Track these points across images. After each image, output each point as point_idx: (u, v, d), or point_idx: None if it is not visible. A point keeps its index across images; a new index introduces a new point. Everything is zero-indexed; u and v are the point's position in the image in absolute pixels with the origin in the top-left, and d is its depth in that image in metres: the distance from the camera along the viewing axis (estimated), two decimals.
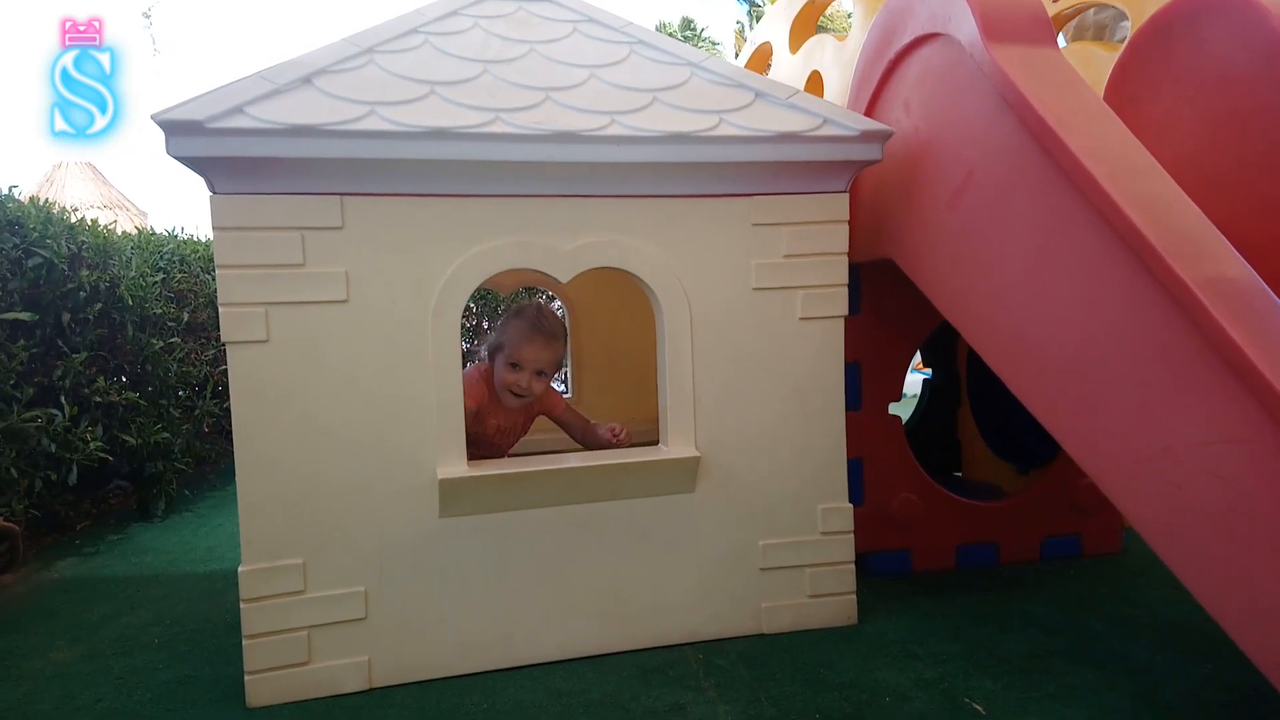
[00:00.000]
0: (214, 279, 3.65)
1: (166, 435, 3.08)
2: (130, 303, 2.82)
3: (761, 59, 3.15)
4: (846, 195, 1.87)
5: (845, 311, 1.89)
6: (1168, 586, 2.18)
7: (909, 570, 2.35)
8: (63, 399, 2.55)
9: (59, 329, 2.57)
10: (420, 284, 1.65)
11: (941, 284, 1.81)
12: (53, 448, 2.47)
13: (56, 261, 2.48)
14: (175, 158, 1.46)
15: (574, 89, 1.83)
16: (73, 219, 2.74)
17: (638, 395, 2.94)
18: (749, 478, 1.87)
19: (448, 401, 1.67)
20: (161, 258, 3.27)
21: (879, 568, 2.32)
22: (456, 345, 1.68)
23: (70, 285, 2.59)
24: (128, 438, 2.87)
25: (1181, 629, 1.93)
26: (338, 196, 1.58)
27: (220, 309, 1.54)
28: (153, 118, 1.43)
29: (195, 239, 3.72)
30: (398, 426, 1.66)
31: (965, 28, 1.64)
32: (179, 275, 3.33)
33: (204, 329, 3.49)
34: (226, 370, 1.60)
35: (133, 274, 2.90)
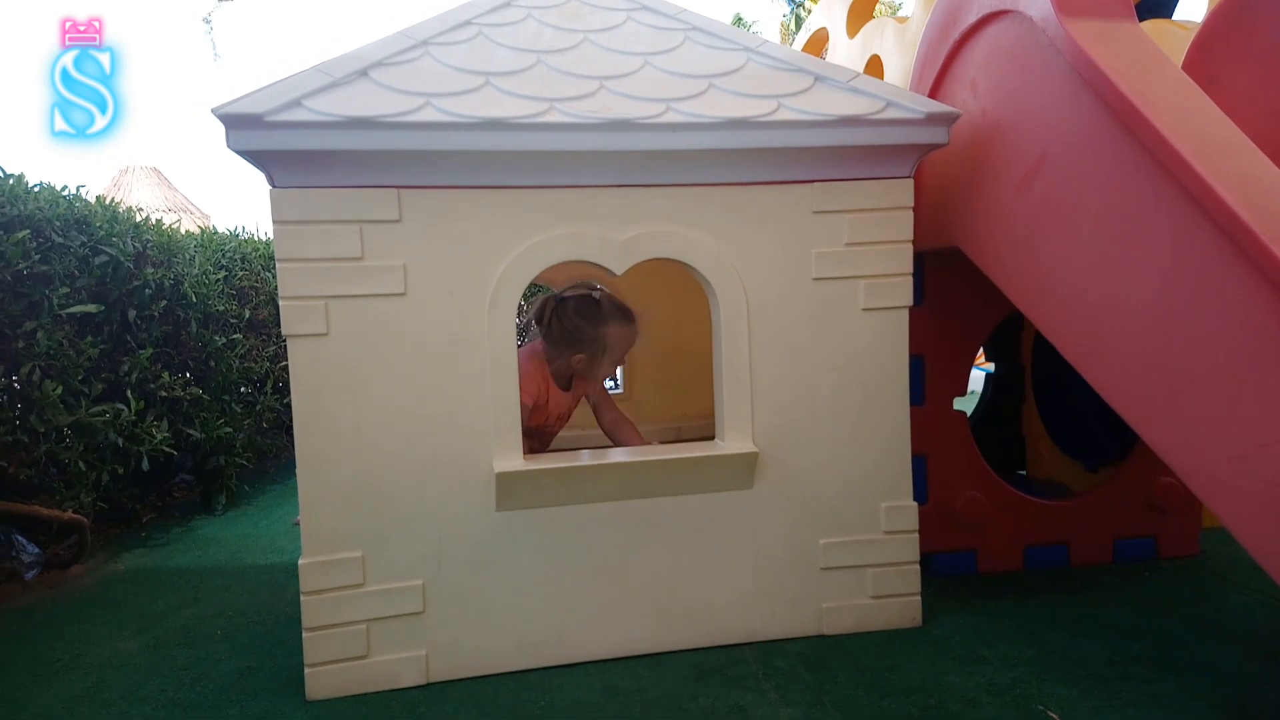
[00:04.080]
0: (274, 276, 3.72)
1: (229, 430, 3.14)
2: (194, 300, 2.88)
3: (817, 45, 3.09)
4: (911, 180, 1.81)
5: (910, 302, 1.83)
6: (1252, 591, 2.07)
7: (974, 571, 2.27)
8: (129, 394, 2.61)
9: (125, 325, 2.63)
10: (476, 277, 1.64)
11: (1012, 272, 1.73)
12: (120, 442, 2.53)
13: (123, 259, 2.54)
14: (235, 151, 1.46)
15: (628, 77, 1.80)
16: (138, 218, 2.80)
17: (690, 392, 2.91)
18: (809, 474, 1.82)
19: (504, 395, 1.65)
20: (224, 256, 3.34)
21: (943, 569, 2.25)
22: (512, 338, 1.66)
23: (136, 282, 2.65)
24: (192, 432, 2.93)
25: (1269, 636, 1.82)
26: (395, 189, 1.57)
27: (280, 302, 1.54)
28: (213, 111, 1.44)
29: (255, 238, 3.79)
30: (454, 419, 1.65)
31: (1038, 3, 1.57)
32: (240, 273, 3.39)
33: (264, 325, 3.55)
34: (287, 366, 1.60)
35: (196, 272, 2.96)
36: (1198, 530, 2.38)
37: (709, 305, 1.80)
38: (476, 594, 1.69)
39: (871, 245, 1.80)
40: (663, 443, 2.77)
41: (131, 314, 2.64)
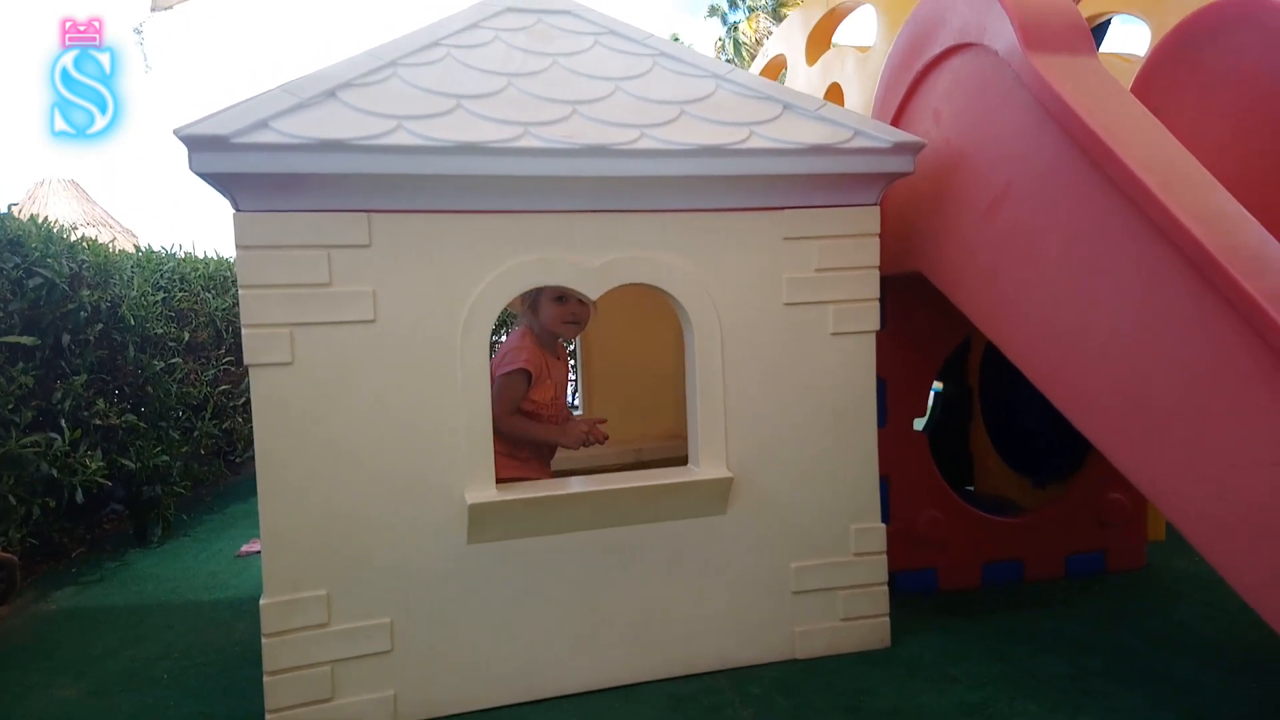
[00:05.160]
0: (214, 297, 3.59)
1: (166, 458, 3.00)
2: (132, 323, 2.75)
3: (773, 71, 3.13)
4: (878, 208, 1.84)
5: (877, 326, 1.85)
6: (1200, 603, 2.15)
7: (935, 589, 2.31)
8: (63, 422, 2.48)
9: (59, 350, 2.50)
10: (449, 302, 1.60)
11: (979, 299, 1.77)
12: (53, 473, 2.39)
13: (58, 281, 2.41)
14: (198, 174, 1.40)
15: (600, 102, 1.79)
16: (73, 237, 2.67)
17: (652, 412, 2.90)
18: (781, 498, 1.82)
19: (477, 423, 1.61)
20: (162, 276, 3.21)
21: (904, 586, 2.27)
22: (485, 365, 1.63)
23: (71, 305, 2.52)
24: (126, 461, 2.79)
25: (1222, 646, 1.89)
26: (365, 214, 1.53)
27: (243, 330, 1.48)
28: (176, 133, 1.38)
29: (194, 256, 3.65)
30: (425, 450, 1.60)
31: (1002, 37, 1.61)
32: (180, 294, 3.26)
33: (204, 349, 3.42)
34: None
35: (134, 294, 2.83)
36: (1144, 544, 2.46)
37: (678, 327, 1.80)
38: (447, 630, 1.64)
39: (840, 271, 1.82)
40: (624, 466, 2.77)
41: (66, 338, 2.51)
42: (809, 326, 1.81)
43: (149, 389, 2.93)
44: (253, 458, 1.54)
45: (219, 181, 1.45)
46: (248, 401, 3.95)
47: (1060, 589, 2.32)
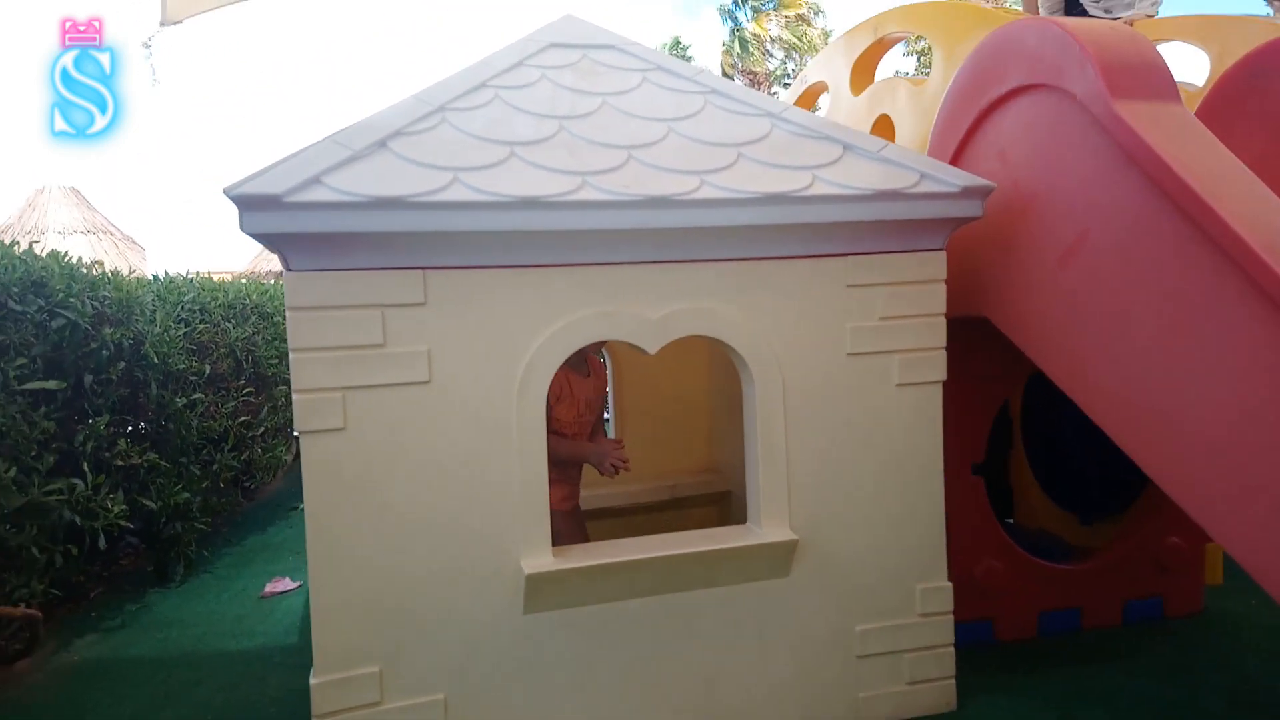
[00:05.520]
0: (234, 327, 3.52)
1: (186, 495, 2.92)
2: (155, 360, 2.67)
3: (811, 98, 3.07)
4: (944, 253, 1.77)
5: (943, 376, 1.78)
6: (1266, 654, 2.08)
7: (992, 639, 2.22)
8: (85, 466, 2.40)
9: (81, 391, 2.42)
10: (504, 361, 1.52)
11: (1050, 346, 1.70)
12: (76, 520, 2.31)
13: (80, 322, 2.34)
14: (249, 234, 1.33)
15: (655, 145, 1.72)
16: (95, 272, 2.59)
17: (686, 443, 2.81)
18: (845, 558, 1.74)
19: (532, 485, 1.54)
20: (183, 308, 3.13)
21: (962, 639, 2.18)
22: (542, 424, 1.55)
23: (94, 344, 2.44)
24: (147, 501, 2.71)
25: None
26: (420, 271, 1.46)
27: (294, 396, 1.40)
28: (226, 193, 1.30)
29: (212, 282, 3.57)
30: (480, 514, 1.52)
31: (1082, 82, 1.54)
32: (201, 326, 3.18)
33: (224, 380, 3.34)
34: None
35: (157, 329, 2.75)
36: (1202, 588, 2.39)
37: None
38: (502, 704, 1.56)
39: (906, 319, 1.75)
40: (659, 504, 2.69)
41: (88, 379, 2.43)
42: (873, 378, 1.74)
43: (170, 425, 2.85)
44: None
45: (271, 241, 1.38)
46: (265, 431, 3.87)
47: (1119, 637, 2.24)
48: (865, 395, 1.74)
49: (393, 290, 1.44)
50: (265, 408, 3.72)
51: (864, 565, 1.75)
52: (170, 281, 3.24)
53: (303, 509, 1.55)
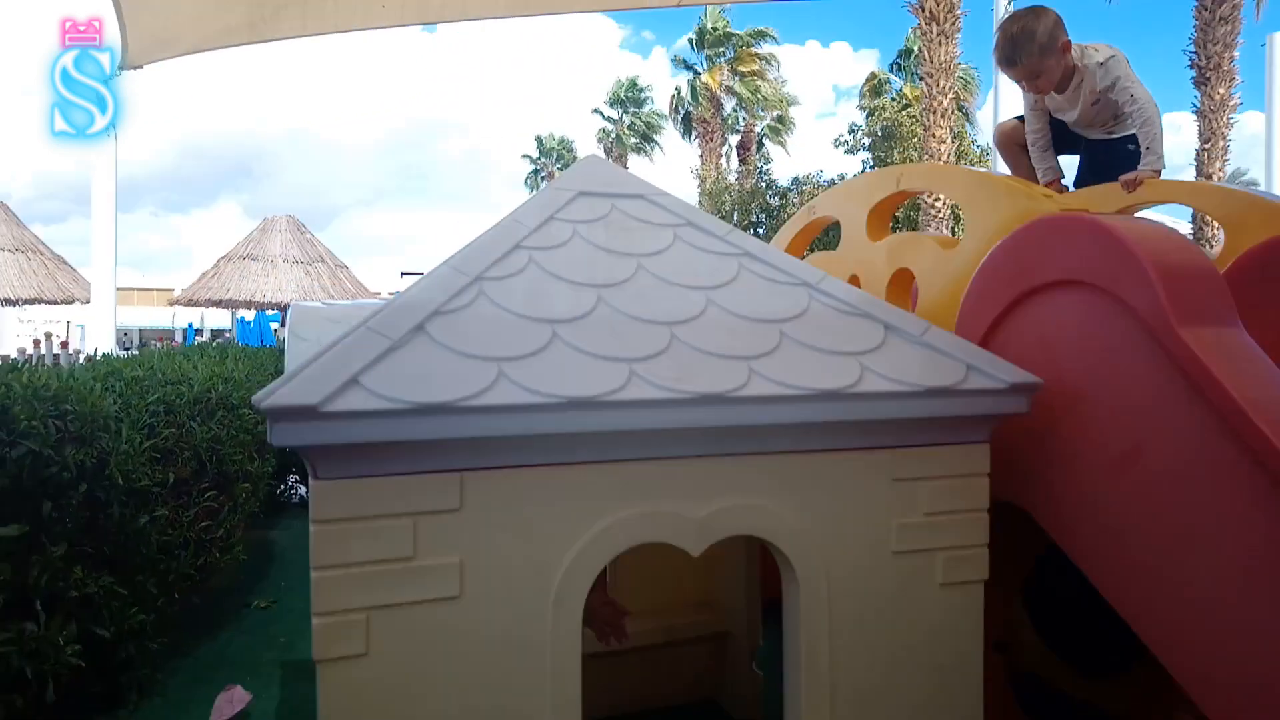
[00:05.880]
0: (199, 426, 3.31)
1: (143, 617, 2.69)
2: (120, 481, 2.48)
3: (814, 230, 3.05)
4: (988, 446, 1.71)
5: (986, 575, 1.72)
6: None
7: None
8: (38, 605, 2.18)
9: (39, 522, 2.22)
10: (540, 569, 1.41)
11: (1099, 554, 1.65)
12: (27, 670, 2.09)
13: (43, 450, 2.15)
14: (280, 445, 1.20)
15: (695, 321, 1.65)
16: (55, 384, 2.40)
17: (676, 575, 2.69)
18: None
19: (564, 711, 1.41)
20: (146, 411, 2.93)
21: None
22: (577, 642, 1.43)
23: (54, 468, 2.25)
24: (101, 632, 2.49)
25: None
26: (458, 474, 1.34)
27: (314, 620, 1.26)
28: (255, 402, 1.18)
29: (184, 373, 3.37)
30: None
31: (1143, 297, 1.52)
32: (165, 431, 2.98)
33: (186, 485, 3.13)
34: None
35: (123, 445, 2.55)
36: None
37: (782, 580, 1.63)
38: None
39: (950, 515, 1.69)
40: (654, 646, 2.56)
41: (47, 506, 2.23)
42: (917, 577, 1.66)
43: (129, 544, 2.64)
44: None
45: (303, 449, 1.25)
46: (225, 533, 3.62)
47: None
48: (909, 597, 1.66)
49: (428, 497, 1.32)
50: (226, 508, 3.50)
51: None
52: (133, 382, 3.03)
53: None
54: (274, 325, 13.36)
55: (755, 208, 20.99)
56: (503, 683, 1.38)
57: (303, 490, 5.86)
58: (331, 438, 1.22)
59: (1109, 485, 1.61)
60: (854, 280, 2.70)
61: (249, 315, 15.25)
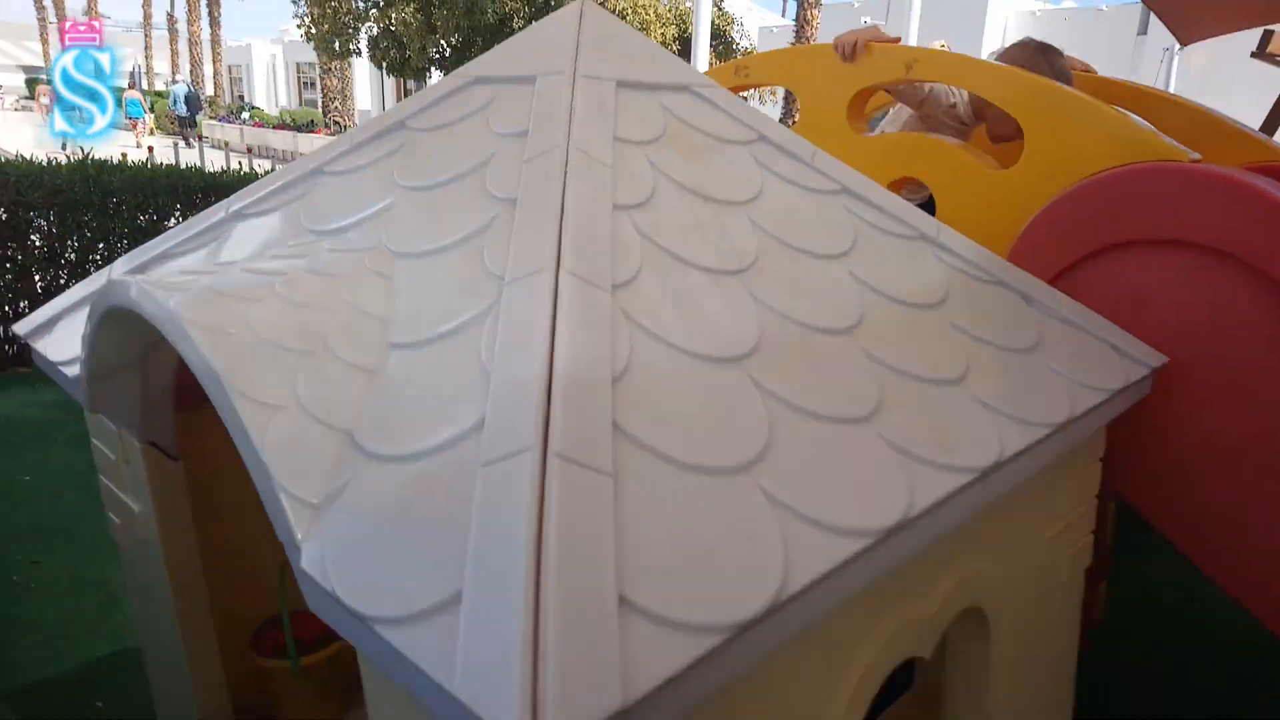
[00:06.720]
0: None
1: None
2: None
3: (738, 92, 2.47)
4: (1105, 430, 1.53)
5: (1089, 562, 1.59)
6: None
7: None
8: None
9: None
10: None
11: (1212, 544, 1.57)
12: None
13: None
14: None
15: (871, 325, 1.19)
16: None
17: None
18: None
19: None
20: None
21: None
22: None
23: None
24: None
25: None
26: None
27: None
28: None
29: None
30: None
31: None
32: None
33: None
34: None
35: None
36: None
37: None
38: None
39: (1079, 512, 1.51)
40: None
41: None
42: (1055, 585, 1.48)
43: None
44: None
45: None
46: None
47: None
48: (1049, 603, 1.48)
49: None
50: None
51: None
52: None
53: None
54: None
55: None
56: None
57: None
58: None
59: (1230, 466, 1.52)
60: None
61: None
